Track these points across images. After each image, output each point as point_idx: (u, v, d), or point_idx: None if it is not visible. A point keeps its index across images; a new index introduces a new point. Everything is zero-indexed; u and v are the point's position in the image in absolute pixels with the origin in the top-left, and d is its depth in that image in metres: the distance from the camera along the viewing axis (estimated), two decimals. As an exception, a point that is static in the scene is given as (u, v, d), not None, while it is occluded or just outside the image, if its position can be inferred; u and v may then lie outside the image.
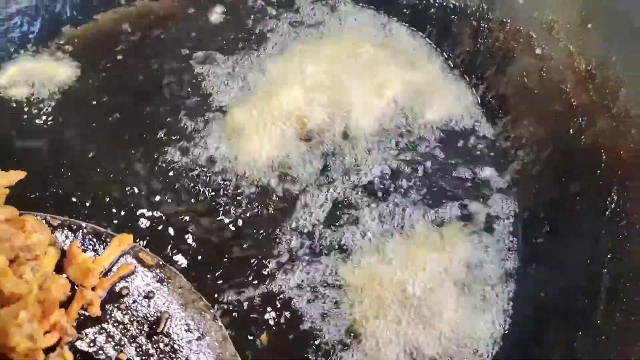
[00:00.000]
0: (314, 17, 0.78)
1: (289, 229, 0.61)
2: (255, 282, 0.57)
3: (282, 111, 0.67)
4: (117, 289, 0.48)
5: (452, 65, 0.75)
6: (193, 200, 0.62)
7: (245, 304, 0.55)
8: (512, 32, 0.70)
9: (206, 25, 0.77)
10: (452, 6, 0.75)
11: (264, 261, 0.58)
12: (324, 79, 0.70)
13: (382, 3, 0.79)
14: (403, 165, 0.65)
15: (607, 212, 0.56)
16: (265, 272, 0.58)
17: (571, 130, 0.62)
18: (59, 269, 0.48)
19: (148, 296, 0.48)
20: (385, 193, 0.63)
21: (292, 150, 0.66)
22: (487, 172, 0.67)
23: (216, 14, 0.77)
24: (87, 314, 0.46)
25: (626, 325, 0.48)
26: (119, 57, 0.73)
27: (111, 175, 0.63)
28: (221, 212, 0.61)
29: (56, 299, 0.42)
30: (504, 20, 0.70)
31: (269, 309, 0.55)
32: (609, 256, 0.53)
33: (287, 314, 0.55)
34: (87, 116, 0.68)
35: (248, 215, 0.61)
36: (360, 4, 0.79)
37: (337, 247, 0.60)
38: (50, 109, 0.68)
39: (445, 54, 0.75)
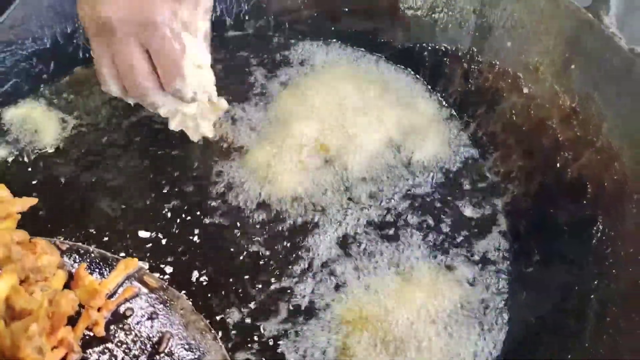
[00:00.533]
0: (305, 55, 0.82)
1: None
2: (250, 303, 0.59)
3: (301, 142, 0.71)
4: (121, 310, 0.50)
5: (444, 104, 0.78)
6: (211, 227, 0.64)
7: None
8: (501, 73, 0.74)
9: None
10: (443, 49, 0.79)
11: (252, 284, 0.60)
12: (329, 113, 0.74)
13: (375, 45, 0.83)
14: (396, 203, 0.68)
15: (593, 241, 0.58)
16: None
17: (558, 164, 0.65)
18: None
19: (151, 317, 0.50)
20: (381, 229, 0.66)
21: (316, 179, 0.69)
22: (477, 206, 0.69)
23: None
24: (91, 334, 0.48)
25: (613, 345, 0.50)
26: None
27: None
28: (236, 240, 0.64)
29: (65, 312, 0.44)
30: (493, 62, 0.74)
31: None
32: (596, 282, 0.55)
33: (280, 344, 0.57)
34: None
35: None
36: (353, 46, 0.84)
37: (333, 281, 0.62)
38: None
39: (437, 93, 0.79)
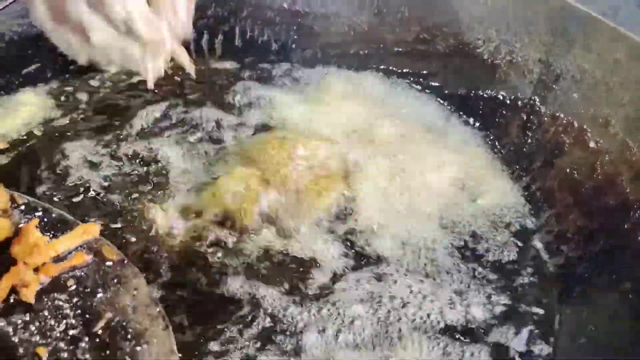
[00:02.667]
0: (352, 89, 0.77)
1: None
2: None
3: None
4: (62, 280, 0.41)
5: (497, 155, 0.69)
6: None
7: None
8: (565, 126, 0.65)
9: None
10: (501, 97, 0.72)
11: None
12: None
13: (427, 87, 0.77)
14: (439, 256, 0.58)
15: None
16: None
17: (626, 226, 0.54)
18: (5, 247, 0.41)
19: (94, 292, 0.40)
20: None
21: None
22: (525, 267, 0.58)
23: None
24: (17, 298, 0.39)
25: None
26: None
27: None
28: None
29: None
30: (556, 114, 0.66)
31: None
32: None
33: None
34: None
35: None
36: (417, 87, 0.78)
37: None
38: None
39: (490, 143, 0.71)
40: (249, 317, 0.50)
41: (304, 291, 0.53)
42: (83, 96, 0.74)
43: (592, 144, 0.62)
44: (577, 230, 0.59)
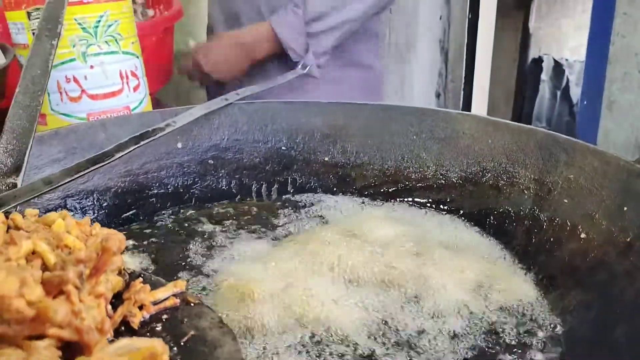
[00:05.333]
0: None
1: None
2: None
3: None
4: (158, 315, 0.55)
5: (509, 256, 0.81)
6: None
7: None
8: (560, 225, 0.78)
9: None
10: (507, 211, 0.86)
11: None
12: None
13: (451, 211, 0.92)
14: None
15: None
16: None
17: (614, 292, 0.64)
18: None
19: (181, 321, 0.54)
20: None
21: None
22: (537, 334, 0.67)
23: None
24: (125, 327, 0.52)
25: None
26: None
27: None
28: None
29: (112, 252, 0.49)
30: (552, 218, 0.79)
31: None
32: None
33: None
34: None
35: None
36: (438, 212, 0.93)
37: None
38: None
39: (502, 248, 0.83)
40: None
41: None
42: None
43: (583, 235, 0.74)
44: (577, 302, 0.69)
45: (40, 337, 0.41)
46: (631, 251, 0.66)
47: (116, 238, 0.48)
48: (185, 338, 0.51)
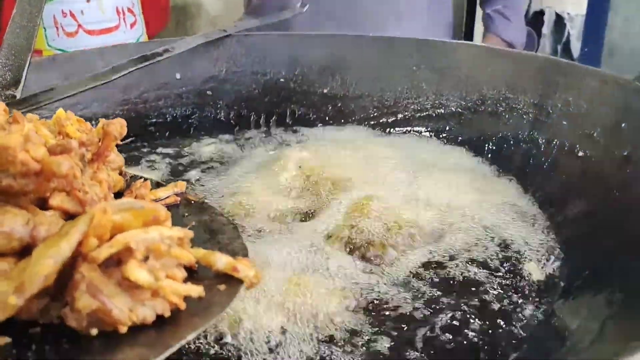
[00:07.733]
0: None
1: None
2: None
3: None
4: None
5: (506, 176, 0.82)
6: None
7: None
8: (558, 146, 0.78)
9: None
10: (506, 136, 0.86)
11: None
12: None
13: (449, 139, 0.93)
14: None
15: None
16: None
17: (609, 202, 0.65)
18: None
19: (183, 214, 0.54)
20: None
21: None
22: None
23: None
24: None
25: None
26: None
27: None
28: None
29: (113, 136, 0.49)
30: (551, 139, 0.80)
31: None
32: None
33: None
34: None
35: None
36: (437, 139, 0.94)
37: None
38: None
39: (499, 170, 0.84)
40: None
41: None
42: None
43: (580, 154, 0.74)
44: (577, 213, 0.70)
45: (46, 209, 0.42)
46: (629, 163, 0.66)
47: (117, 123, 0.48)
48: (188, 227, 0.52)
